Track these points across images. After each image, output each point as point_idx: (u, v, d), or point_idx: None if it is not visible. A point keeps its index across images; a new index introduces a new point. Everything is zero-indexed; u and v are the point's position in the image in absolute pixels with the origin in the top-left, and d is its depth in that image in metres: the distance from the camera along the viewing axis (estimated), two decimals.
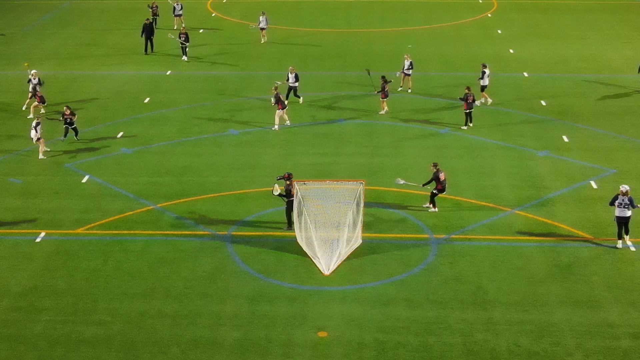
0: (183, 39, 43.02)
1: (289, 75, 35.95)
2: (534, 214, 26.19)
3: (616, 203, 23.74)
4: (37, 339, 19.99)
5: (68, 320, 20.71)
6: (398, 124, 34.20)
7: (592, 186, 28.22)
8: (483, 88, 35.99)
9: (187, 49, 43.28)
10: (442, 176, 25.95)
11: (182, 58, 43.30)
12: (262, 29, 46.39)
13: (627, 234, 24.12)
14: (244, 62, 43.47)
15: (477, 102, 34.84)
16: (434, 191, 26.18)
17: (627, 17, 53.57)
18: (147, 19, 45.04)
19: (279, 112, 33.32)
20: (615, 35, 48.64)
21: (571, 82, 39.81)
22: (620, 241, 24.04)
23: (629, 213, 23.74)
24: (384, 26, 51.36)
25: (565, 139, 32.52)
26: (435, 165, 26.16)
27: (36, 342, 19.87)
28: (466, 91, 33.42)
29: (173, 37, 43.28)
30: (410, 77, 37.86)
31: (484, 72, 35.76)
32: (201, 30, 49.81)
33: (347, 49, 45.93)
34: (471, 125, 33.54)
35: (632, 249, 24.04)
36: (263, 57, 44.49)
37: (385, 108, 34.98)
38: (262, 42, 46.28)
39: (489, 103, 36.11)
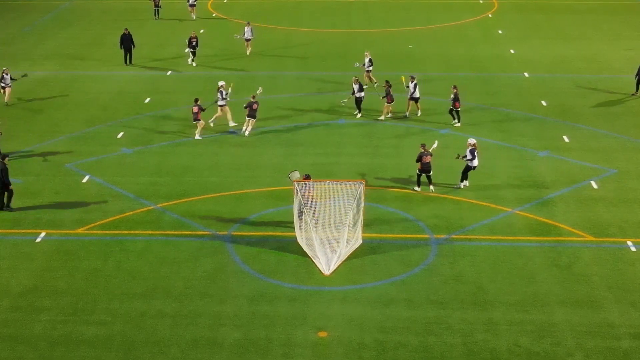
0: (194, 43, 42.49)
1: (353, 86, 34.57)
2: (535, 214, 26.18)
3: (475, 154, 27.52)
4: (37, 339, 19.99)
5: (68, 320, 20.71)
6: (398, 124, 34.19)
7: (592, 186, 28.20)
8: (416, 100, 34.57)
9: (195, 53, 42.92)
10: (425, 159, 27.22)
11: (189, 62, 42.61)
12: (247, 39, 44.68)
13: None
14: (244, 62, 43.47)
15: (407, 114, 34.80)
16: (417, 171, 27.61)
17: (628, 17, 53.59)
18: (126, 29, 43.21)
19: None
20: (616, 36, 48.64)
21: (572, 83, 39.80)
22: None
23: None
24: (385, 26, 51.36)
25: (565, 139, 32.51)
26: (422, 146, 27.58)
27: (36, 342, 19.87)
28: (454, 90, 33.38)
29: (188, 50, 42.56)
30: (370, 74, 38.25)
31: (415, 85, 34.21)
32: (202, 31, 49.80)
33: (347, 49, 45.89)
34: (454, 124, 33.62)
35: (633, 249, 24.05)
36: (263, 57, 44.47)
37: (388, 114, 34.49)
38: (247, 53, 44.70)
39: (419, 114, 34.94)
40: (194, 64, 42.76)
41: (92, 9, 57.02)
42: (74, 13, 55.97)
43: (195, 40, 42.54)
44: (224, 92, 33.53)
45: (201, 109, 32.44)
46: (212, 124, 33.77)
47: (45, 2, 58.66)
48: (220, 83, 33.97)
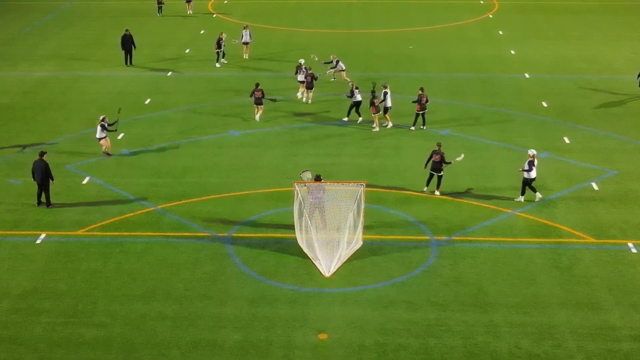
0: (222, 43, 42.40)
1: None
2: (535, 215, 26.15)
3: (533, 167, 26.50)
4: (37, 340, 19.96)
5: (68, 322, 20.69)
6: (399, 125, 34.15)
7: (593, 188, 28.17)
8: (386, 110, 33.73)
9: (224, 53, 42.86)
10: (435, 157, 27.30)
11: (223, 61, 42.68)
12: (245, 43, 44.30)
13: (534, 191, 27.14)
14: (245, 63, 43.45)
15: (379, 126, 33.58)
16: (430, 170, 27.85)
17: (628, 18, 53.57)
18: (126, 30, 43.02)
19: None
20: (616, 36, 48.61)
21: (572, 83, 39.77)
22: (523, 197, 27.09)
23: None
24: (385, 27, 51.34)
25: (566, 140, 32.48)
26: (438, 144, 27.82)
27: (36, 344, 19.85)
28: (420, 92, 33.19)
29: (219, 51, 42.63)
30: (344, 73, 39.68)
31: (385, 93, 33.42)
32: (202, 31, 49.81)
33: (347, 49, 45.87)
34: (424, 128, 33.41)
35: (634, 250, 24.02)
36: (264, 58, 44.44)
37: (376, 125, 33.67)
38: (245, 57, 44.27)
39: (389, 126, 33.81)
40: (225, 62, 42.94)
41: (93, 9, 57.02)
42: (74, 13, 55.97)
43: (222, 40, 42.52)
44: (305, 68, 36.86)
45: (264, 94, 34.24)
46: (301, 96, 36.99)
47: (46, 3, 58.66)
48: (301, 61, 37.93)
